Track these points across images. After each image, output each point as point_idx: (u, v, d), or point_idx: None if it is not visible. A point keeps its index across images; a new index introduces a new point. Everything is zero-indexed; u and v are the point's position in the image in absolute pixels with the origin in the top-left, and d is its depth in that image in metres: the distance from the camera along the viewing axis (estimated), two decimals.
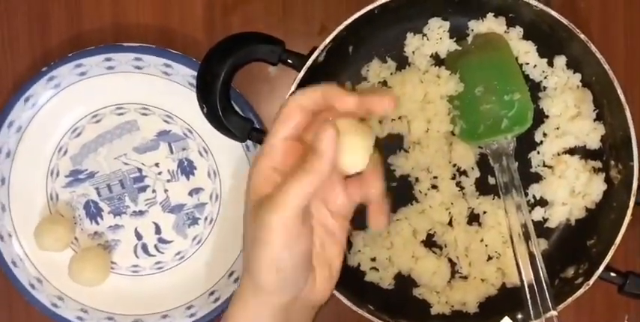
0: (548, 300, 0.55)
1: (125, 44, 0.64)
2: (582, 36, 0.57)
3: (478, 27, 0.62)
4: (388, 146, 0.62)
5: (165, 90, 0.65)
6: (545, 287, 0.55)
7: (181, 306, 0.65)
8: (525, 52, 0.61)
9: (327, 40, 0.57)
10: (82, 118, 0.66)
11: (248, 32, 0.59)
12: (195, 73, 0.62)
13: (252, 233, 0.45)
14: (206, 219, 0.66)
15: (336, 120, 0.46)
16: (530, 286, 0.56)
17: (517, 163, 0.59)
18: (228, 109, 0.58)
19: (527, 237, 0.57)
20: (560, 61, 0.61)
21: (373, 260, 0.62)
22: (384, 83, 0.62)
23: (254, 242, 0.45)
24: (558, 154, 0.62)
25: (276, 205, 0.44)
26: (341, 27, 0.57)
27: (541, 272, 0.56)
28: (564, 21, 0.57)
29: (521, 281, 0.56)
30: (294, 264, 0.45)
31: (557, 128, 0.62)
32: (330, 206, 0.49)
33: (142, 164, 0.66)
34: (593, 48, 0.57)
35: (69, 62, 0.64)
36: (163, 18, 0.66)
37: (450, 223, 0.62)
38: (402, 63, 0.62)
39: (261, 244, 0.44)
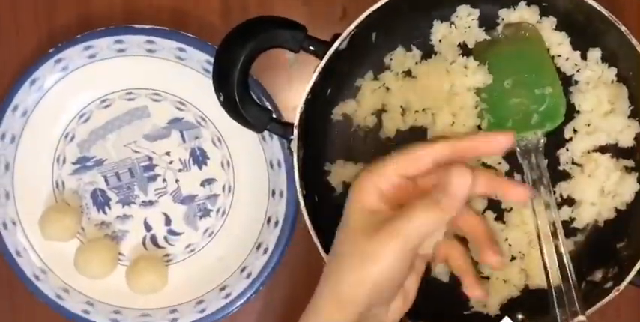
0: (577, 304, 0.53)
1: (137, 26, 0.61)
2: (623, 28, 0.54)
3: (509, 16, 0.59)
4: (411, 139, 0.59)
5: (178, 75, 0.62)
6: (573, 290, 0.53)
7: (191, 301, 0.63)
8: (558, 43, 0.59)
9: (352, 27, 0.54)
10: (91, 103, 0.63)
11: (268, 16, 0.56)
12: (210, 58, 0.60)
13: (360, 248, 0.44)
14: (218, 210, 0.64)
15: None
16: (558, 288, 0.54)
17: (546, 160, 0.57)
18: (245, 98, 0.55)
19: (555, 237, 0.55)
20: (595, 54, 0.58)
21: None
22: (409, 73, 0.60)
23: (362, 258, 0.44)
24: (588, 152, 0.59)
25: (397, 233, 0.43)
26: (366, 13, 0.54)
27: (569, 274, 0.54)
28: (604, 11, 0.54)
29: (548, 283, 0.54)
30: (388, 290, 0.45)
31: (589, 124, 0.59)
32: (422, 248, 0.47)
33: (153, 152, 0.63)
34: (634, 41, 0.54)
35: (78, 44, 0.61)
36: None
37: None
38: (428, 52, 0.60)
39: (367, 263, 0.43)
